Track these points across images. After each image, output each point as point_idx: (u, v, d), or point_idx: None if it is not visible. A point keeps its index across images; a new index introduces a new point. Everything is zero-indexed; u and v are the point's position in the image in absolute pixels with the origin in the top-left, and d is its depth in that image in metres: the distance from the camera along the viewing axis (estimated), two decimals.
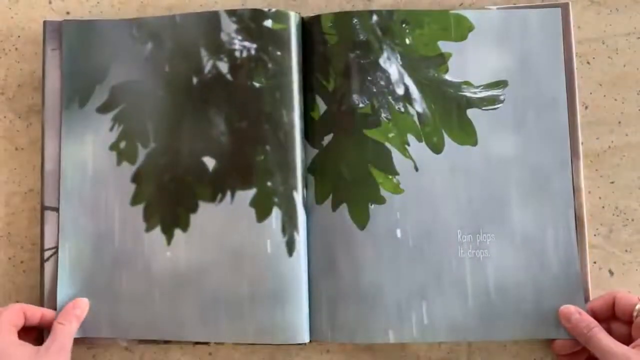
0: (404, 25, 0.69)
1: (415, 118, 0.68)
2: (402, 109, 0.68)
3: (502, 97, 0.68)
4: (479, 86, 0.68)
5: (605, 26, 0.71)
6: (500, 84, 0.68)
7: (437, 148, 0.68)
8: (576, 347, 0.65)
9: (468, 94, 0.68)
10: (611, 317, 0.65)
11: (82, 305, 0.67)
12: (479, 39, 0.69)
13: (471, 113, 0.68)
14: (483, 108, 0.68)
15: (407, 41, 0.69)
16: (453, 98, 0.68)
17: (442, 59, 0.68)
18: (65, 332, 0.65)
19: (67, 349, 0.64)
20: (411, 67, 0.68)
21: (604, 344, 0.61)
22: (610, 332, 0.64)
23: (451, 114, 0.68)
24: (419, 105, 0.68)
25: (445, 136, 0.68)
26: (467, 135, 0.68)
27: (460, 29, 0.69)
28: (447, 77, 0.68)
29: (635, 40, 0.71)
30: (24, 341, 0.63)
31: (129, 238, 0.68)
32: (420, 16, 0.69)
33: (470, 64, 0.68)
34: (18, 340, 0.63)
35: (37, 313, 0.66)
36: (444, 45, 0.69)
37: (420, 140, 0.68)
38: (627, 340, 0.63)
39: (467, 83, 0.68)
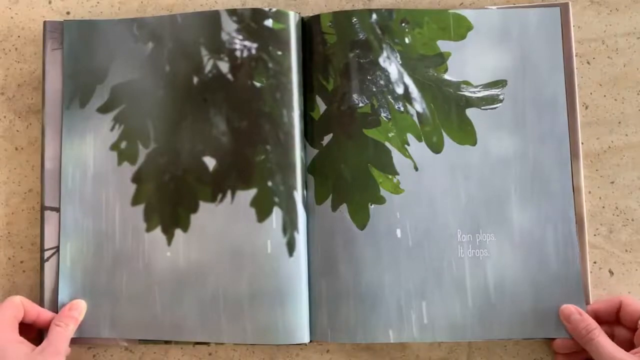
0: (403, 25, 0.69)
1: (415, 117, 0.68)
2: (402, 109, 0.68)
3: (501, 97, 0.68)
4: (478, 86, 0.68)
5: (605, 26, 0.71)
6: (500, 83, 0.68)
7: (436, 148, 0.68)
8: (576, 347, 0.65)
9: (467, 94, 0.68)
10: (614, 321, 0.65)
11: (80, 308, 0.67)
12: (478, 39, 0.69)
13: (470, 112, 0.68)
14: (482, 107, 0.68)
15: (407, 40, 0.69)
16: (452, 97, 0.68)
17: (441, 59, 0.69)
18: (61, 335, 0.65)
19: (62, 352, 0.64)
20: (410, 66, 0.68)
21: (602, 347, 0.61)
22: (612, 336, 0.64)
23: (450, 114, 0.68)
24: (418, 105, 0.68)
25: (445, 136, 0.68)
26: (466, 134, 0.68)
27: (460, 29, 0.69)
28: (447, 76, 0.68)
29: (635, 40, 0.71)
30: (23, 337, 0.64)
31: (130, 238, 0.68)
32: (420, 15, 0.69)
33: (469, 64, 0.68)
34: (18, 337, 0.63)
35: (34, 309, 0.66)
36: (443, 45, 0.69)
37: (420, 140, 0.68)
38: (628, 346, 0.63)
39: (467, 82, 0.68)
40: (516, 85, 0.68)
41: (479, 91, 0.68)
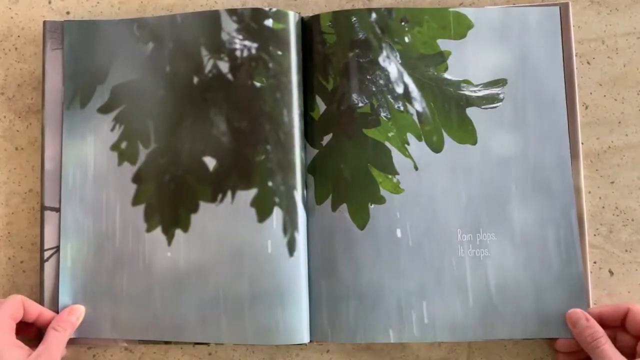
0: (403, 24, 0.69)
1: (415, 117, 0.68)
2: (402, 108, 0.68)
3: (501, 96, 0.68)
4: (479, 85, 0.68)
5: (605, 26, 0.71)
6: (500, 82, 0.68)
7: (436, 147, 0.68)
8: (578, 347, 0.65)
9: (467, 93, 0.68)
10: (619, 326, 0.65)
11: (78, 312, 0.67)
12: (478, 37, 0.69)
13: (471, 112, 0.68)
14: (482, 107, 0.68)
15: (407, 39, 0.69)
16: (452, 96, 0.68)
17: (441, 57, 0.68)
18: (58, 340, 0.65)
19: (58, 358, 0.64)
20: (410, 65, 0.68)
21: (607, 356, 0.61)
22: (614, 340, 0.64)
23: (451, 113, 0.68)
24: (418, 104, 0.68)
25: (445, 135, 0.68)
26: (466, 134, 0.68)
27: (460, 27, 0.69)
28: (447, 75, 0.68)
29: (635, 40, 0.71)
30: (22, 335, 0.64)
31: (130, 238, 0.68)
32: (420, 14, 0.69)
33: (469, 62, 0.68)
34: (15, 341, 0.63)
35: (35, 309, 0.66)
36: (444, 44, 0.69)
37: (420, 140, 0.68)
38: (630, 353, 0.63)
39: (467, 81, 0.68)
40: (516, 85, 0.68)
41: (479, 90, 0.68)
